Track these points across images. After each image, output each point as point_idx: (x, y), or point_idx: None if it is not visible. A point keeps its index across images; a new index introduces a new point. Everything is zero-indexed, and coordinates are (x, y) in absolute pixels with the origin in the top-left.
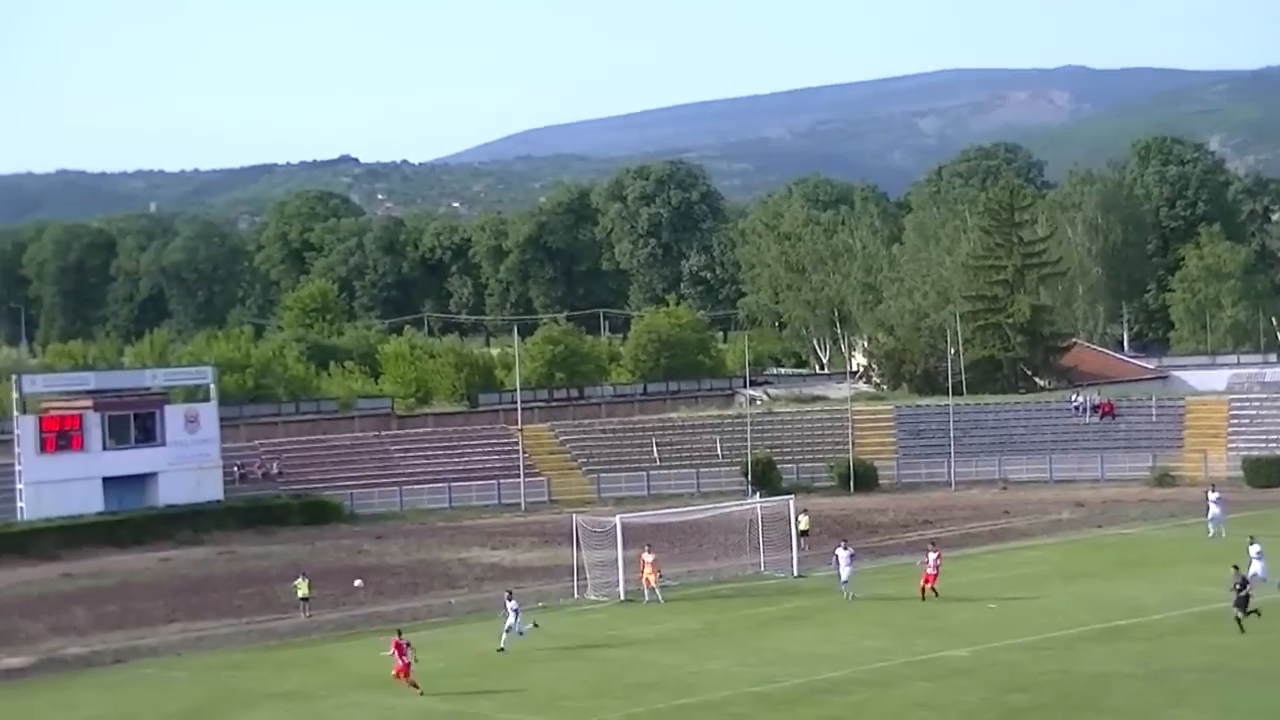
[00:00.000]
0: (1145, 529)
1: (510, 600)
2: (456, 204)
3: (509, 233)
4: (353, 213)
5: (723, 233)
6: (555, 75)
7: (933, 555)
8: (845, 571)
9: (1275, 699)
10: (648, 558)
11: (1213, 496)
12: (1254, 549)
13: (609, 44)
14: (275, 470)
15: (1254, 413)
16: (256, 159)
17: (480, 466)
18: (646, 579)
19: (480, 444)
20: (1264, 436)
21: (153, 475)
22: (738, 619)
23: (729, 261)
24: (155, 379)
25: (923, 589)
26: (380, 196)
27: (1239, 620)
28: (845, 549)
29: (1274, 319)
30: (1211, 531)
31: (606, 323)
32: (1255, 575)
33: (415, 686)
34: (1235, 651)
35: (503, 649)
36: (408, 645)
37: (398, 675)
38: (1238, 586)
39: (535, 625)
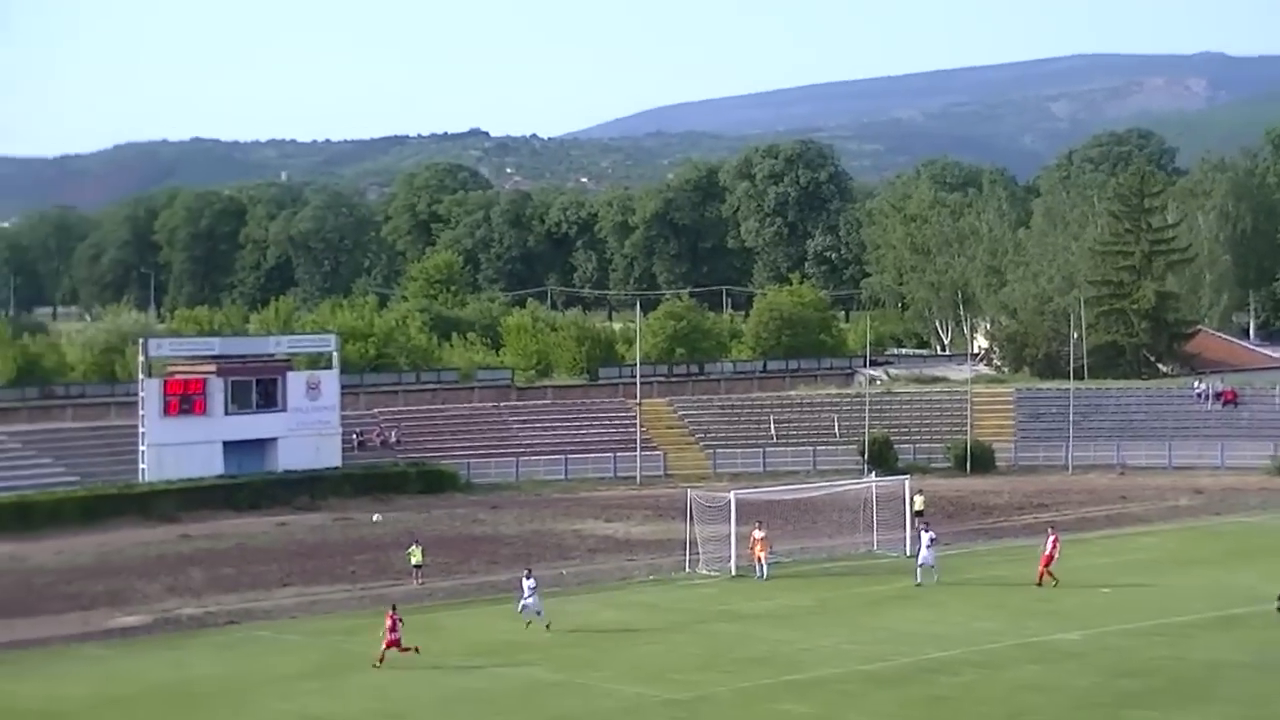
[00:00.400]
0: (1264, 518)
1: (528, 579)
2: (584, 179)
3: (635, 209)
4: (481, 186)
5: (849, 213)
6: (689, 52)
7: (1050, 539)
8: (926, 554)
9: None
10: (758, 534)
11: None
12: None
13: (745, 20)
14: (393, 439)
15: None
16: (387, 130)
17: (597, 439)
18: (757, 555)
19: (599, 417)
20: None
21: (273, 440)
22: (849, 597)
23: (854, 242)
24: (279, 346)
25: (1041, 573)
26: (509, 170)
27: None
28: (927, 530)
29: None
30: None
31: (729, 300)
32: None
33: (410, 649)
34: None
35: (530, 622)
36: (399, 621)
37: (387, 648)
38: None
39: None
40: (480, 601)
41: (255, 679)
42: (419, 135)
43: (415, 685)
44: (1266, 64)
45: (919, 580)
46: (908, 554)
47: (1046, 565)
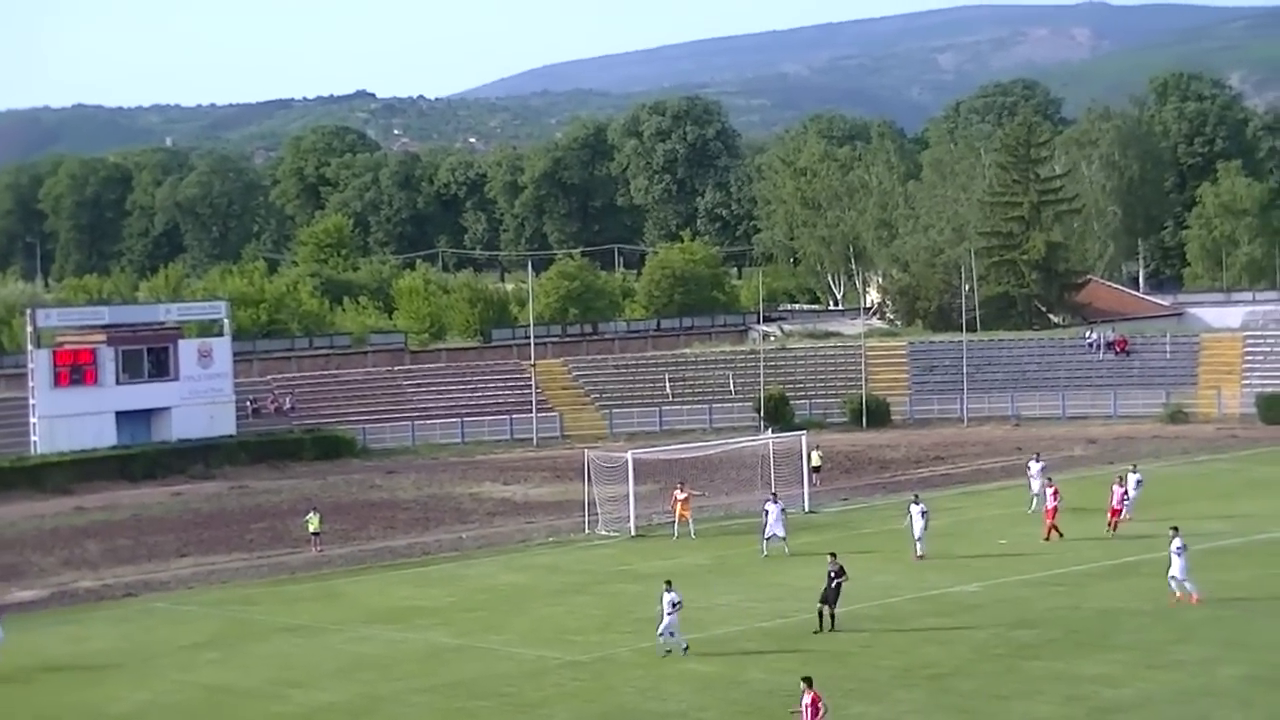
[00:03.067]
0: (1157, 466)
1: (669, 591)
2: (473, 139)
3: (525, 168)
4: (369, 148)
5: (739, 169)
6: (574, 9)
7: (1049, 490)
8: (775, 525)
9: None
10: (679, 494)
11: (1130, 476)
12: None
13: None
14: (288, 405)
15: (1269, 350)
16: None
17: (493, 402)
18: (681, 514)
19: (493, 379)
20: (1278, 373)
21: (165, 410)
22: (748, 555)
23: (745, 198)
24: (169, 314)
25: (1112, 522)
26: (396, 132)
27: None
28: (776, 503)
29: None
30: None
31: (621, 259)
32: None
33: None
34: (1243, 587)
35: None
36: None
37: None
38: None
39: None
40: (379, 567)
41: (154, 651)
42: (304, 98)
43: (316, 653)
44: (1149, 13)
45: (764, 552)
46: (807, 510)
47: (1052, 518)
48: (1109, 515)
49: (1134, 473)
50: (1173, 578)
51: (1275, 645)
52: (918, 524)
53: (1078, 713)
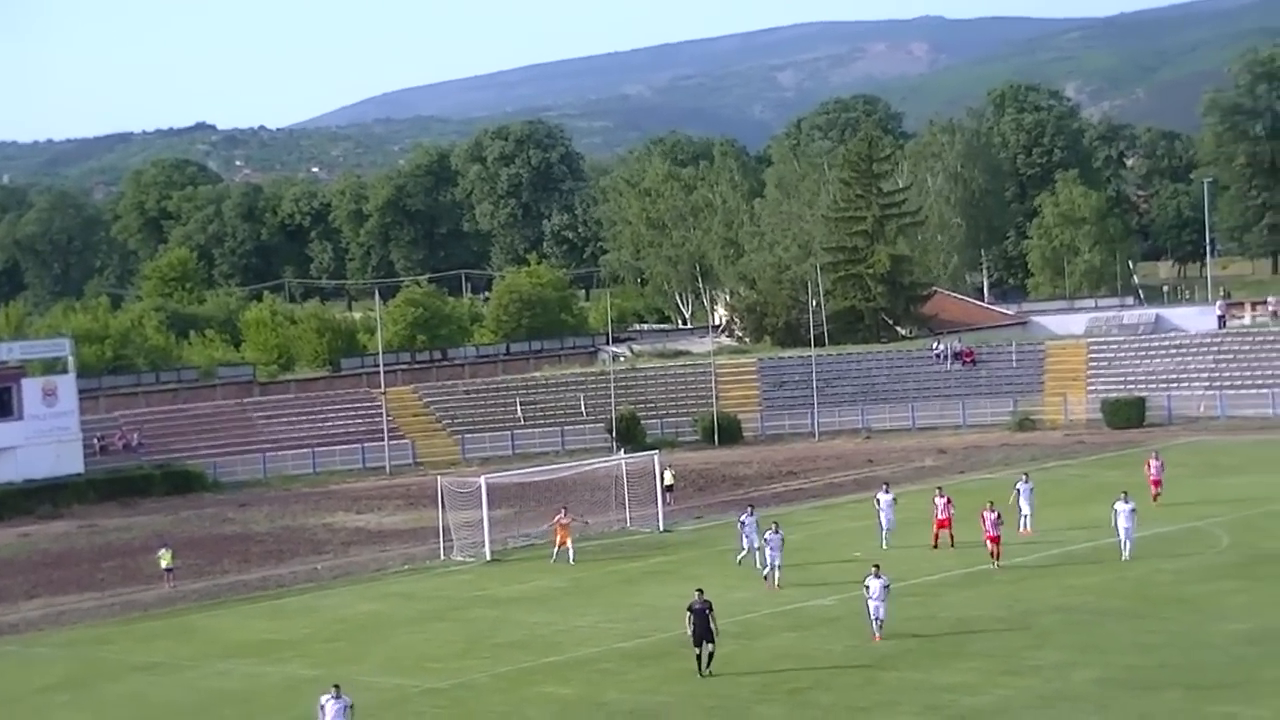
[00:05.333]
0: (1007, 473)
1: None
2: (316, 169)
3: (369, 196)
4: (210, 180)
5: (584, 191)
6: (413, 36)
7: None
8: (773, 556)
9: (1133, 637)
10: (563, 520)
11: (1020, 486)
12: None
13: (467, 3)
14: (136, 441)
15: (1112, 355)
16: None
17: (344, 431)
18: (561, 539)
19: (344, 408)
20: (1122, 378)
21: (10, 449)
22: (604, 575)
23: (590, 220)
24: (11, 352)
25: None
26: (238, 163)
27: None
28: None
29: (1129, 262)
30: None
31: (468, 284)
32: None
33: None
34: (1095, 592)
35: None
36: None
37: None
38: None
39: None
40: (234, 601)
41: (6, 695)
42: (144, 131)
43: (172, 690)
44: (984, 26)
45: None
46: (661, 529)
47: (945, 527)
48: (986, 540)
49: (1025, 481)
50: (1124, 538)
51: (1128, 648)
52: (771, 553)
53: None
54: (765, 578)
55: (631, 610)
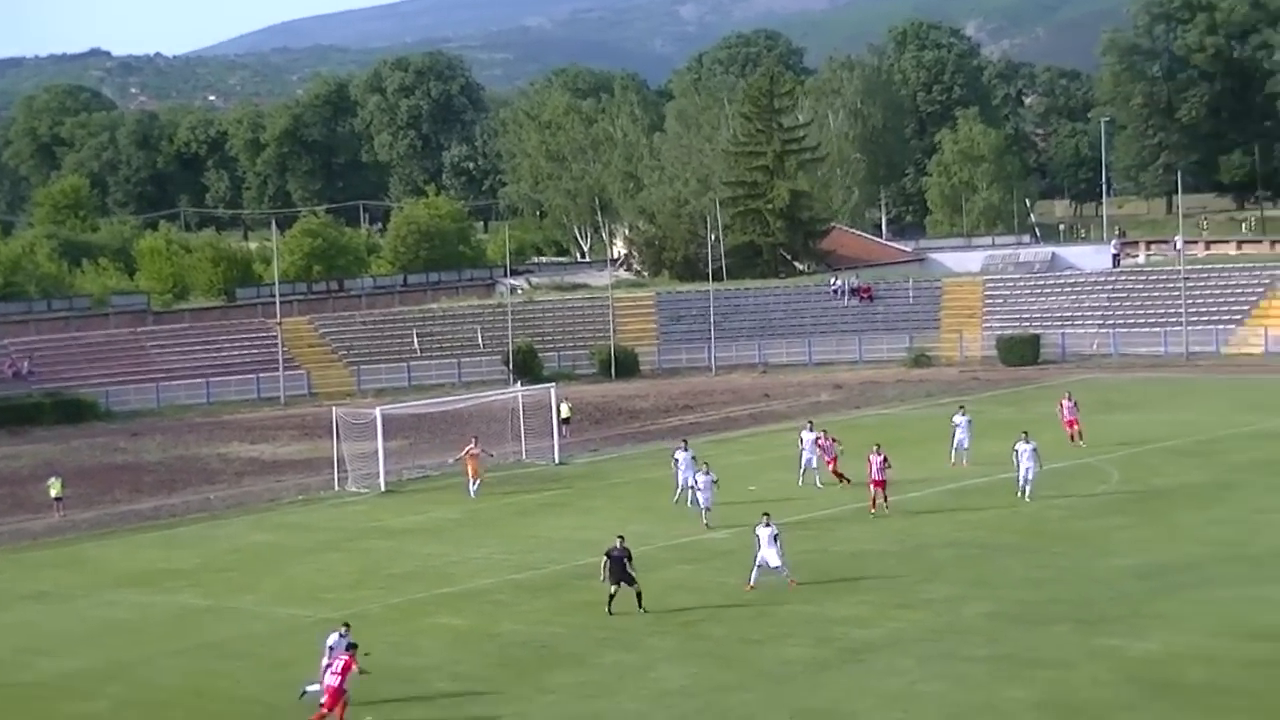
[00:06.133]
0: (902, 409)
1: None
2: (213, 97)
3: (266, 126)
4: (104, 107)
5: (484, 124)
6: None
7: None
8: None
9: (1023, 571)
10: (473, 450)
11: (957, 419)
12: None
13: None
14: (26, 369)
15: (1008, 293)
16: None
17: (239, 361)
18: (472, 470)
19: (239, 338)
20: (1017, 316)
21: None
22: (499, 507)
23: (490, 152)
24: None
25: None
26: (133, 90)
27: None
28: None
29: (1026, 201)
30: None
31: (366, 215)
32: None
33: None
34: (987, 527)
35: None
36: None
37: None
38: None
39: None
40: (125, 531)
41: None
42: (36, 56)
43: (62, 619)
44: None
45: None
46: (557, 462)
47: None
48: (870, 485)
49: (962, 414)
50: (1025, 478)
51: (1019, 583)
52: (703, 494)
53: (828, 654)
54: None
55: (526, 542)
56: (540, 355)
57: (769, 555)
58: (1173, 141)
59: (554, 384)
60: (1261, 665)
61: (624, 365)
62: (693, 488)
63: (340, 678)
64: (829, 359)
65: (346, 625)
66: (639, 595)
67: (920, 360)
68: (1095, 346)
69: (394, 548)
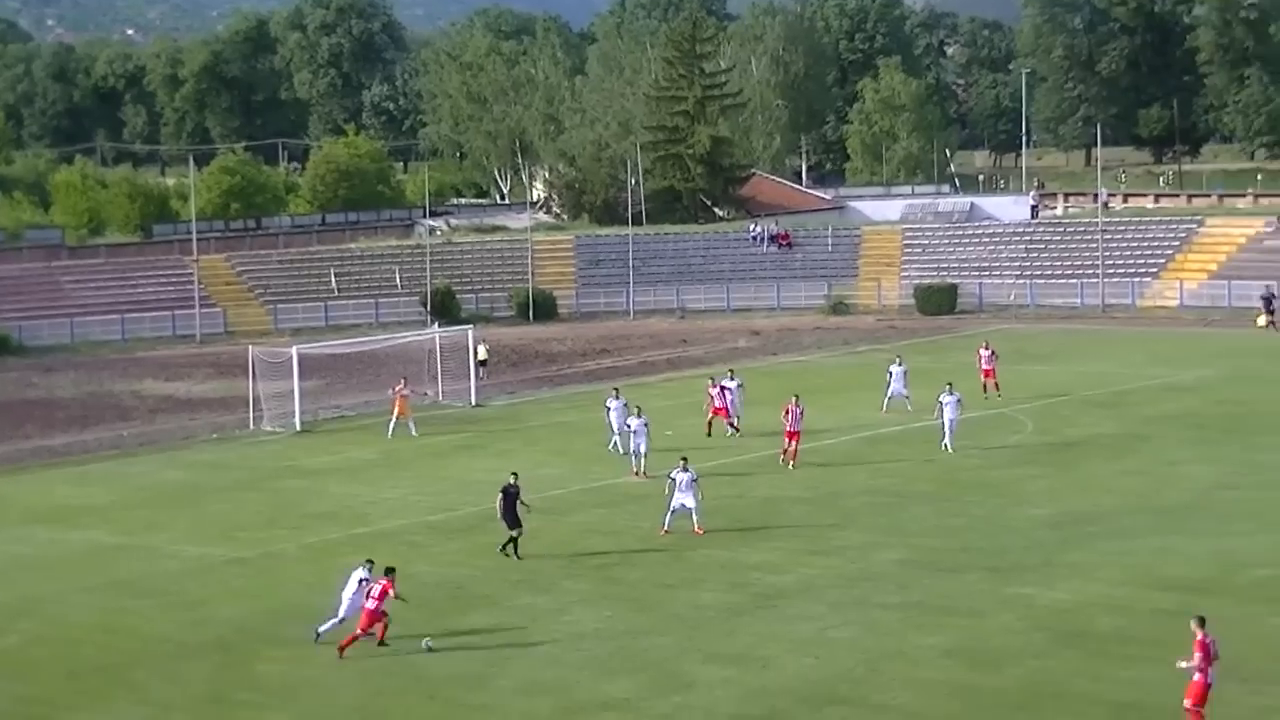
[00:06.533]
0: (819, 356)
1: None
2: (131, 31)
3: (185, 61)
4: (20, 39)
5: (405, 63)
6: None
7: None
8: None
9: (936, 519)
10: (403, 390)
11: (893, 369)
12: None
13: None
14: None
15: (926, 242)
16: None
17: (155, 298)
18: (400, 410)
19: (155, 275)
20: (935, 265)
21: None
22: (415, 449)
23: (411, 92)
24: None
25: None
26: (50, 22)
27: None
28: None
29: (946, 151)
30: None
31: (285, 153)
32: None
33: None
34: (900, 476)
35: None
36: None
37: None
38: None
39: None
40: (36, 467)
41: None
42: None
43: None
44: None
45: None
46: (474, 404)
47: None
48: (786, 437)
49: (899, 365)
50: (948, 429)
51: (929, 530)
52: (635, 440)
53: (741, 599)
54: (636, 470)
55: (441, 484)
56: (458, 297)
57: (684, 499)
58: (1092, 94)
59: (472, 326)
60: (1168, 615)
61: (542, 308)
62: (627, 431)
63: (377, 602)
64: (747, 305)
65: (370, 561)
66: (516, 540)
67: (838, 308)
68: (1012, 297)
69: (309, 487)
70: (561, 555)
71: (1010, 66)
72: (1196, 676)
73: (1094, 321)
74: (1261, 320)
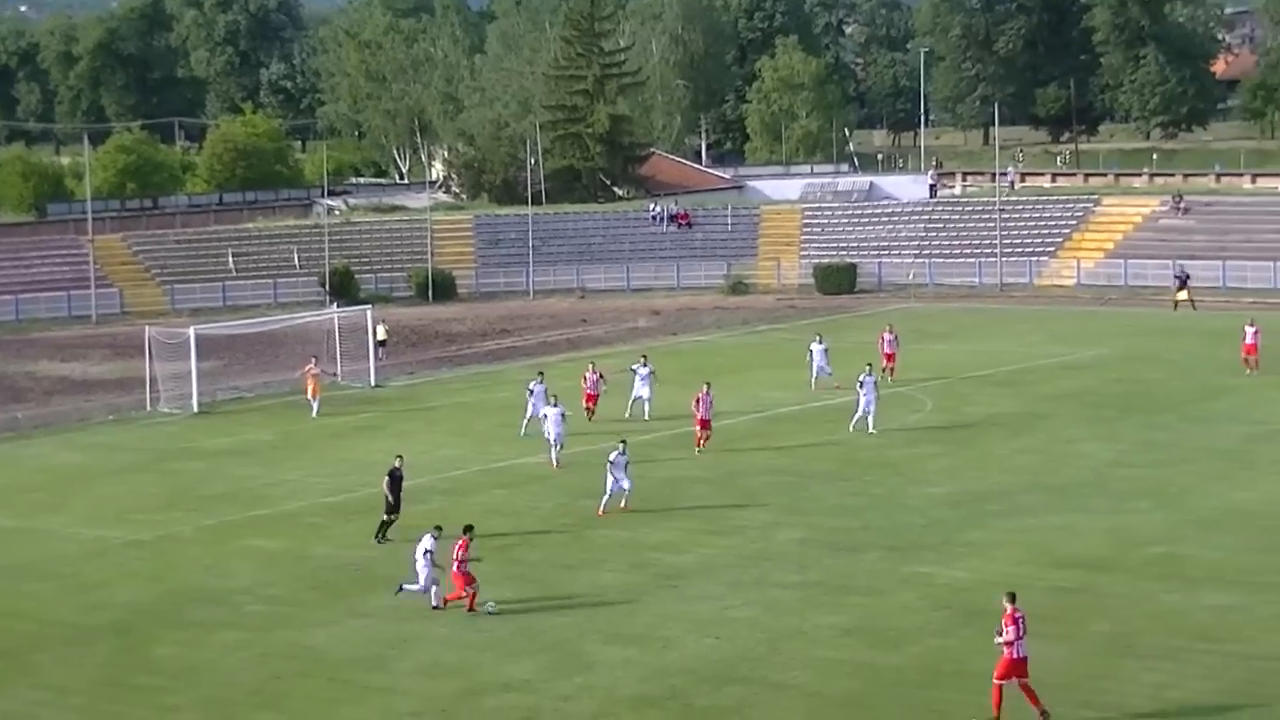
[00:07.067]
0: (719, 336)
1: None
2: (24, 8)
3: (79, 38)
4: None
5: (303, 41)
6: None
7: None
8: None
9: (837, 499)
10: (312, 369)
11: (814, 346)
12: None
13: None
14: None
15: (825, 221)
16: None
17: (49, 278)
18: (312, 390)
19: (50, 255)
20: (834, 245)
21: None
22: (314, 430)
23: (309, 71)
24: None
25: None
26: None
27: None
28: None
29: (845, 130)
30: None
31: (182, 132)
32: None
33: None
34: (801, 456)
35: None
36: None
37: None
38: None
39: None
40: None
41: None
42: None
43: None
44: None
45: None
46: (373, 384)
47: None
48: (697, 427)
49: (819, 342)
50: (865, 414)
51: (829, 510)
52: (553, 428)
53: (642, 579)
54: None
55: (339, 465)
56: (357, 277)
57: (623, 480)
58: (990, 74)
59: (371, 306)
60: (1065, 592)
61: (441, 288)
62: (542, 418)
63: (460, 562)
64: (647, 285)
65: (438, 528)
66: (388, 524)
67: (738, 287)
68: (911, 276)
69: (206, 469)
70: (387, 541)
71: (909, 46)
72: (1005, 651)
73: (992, 300)
74: (1183, 295)
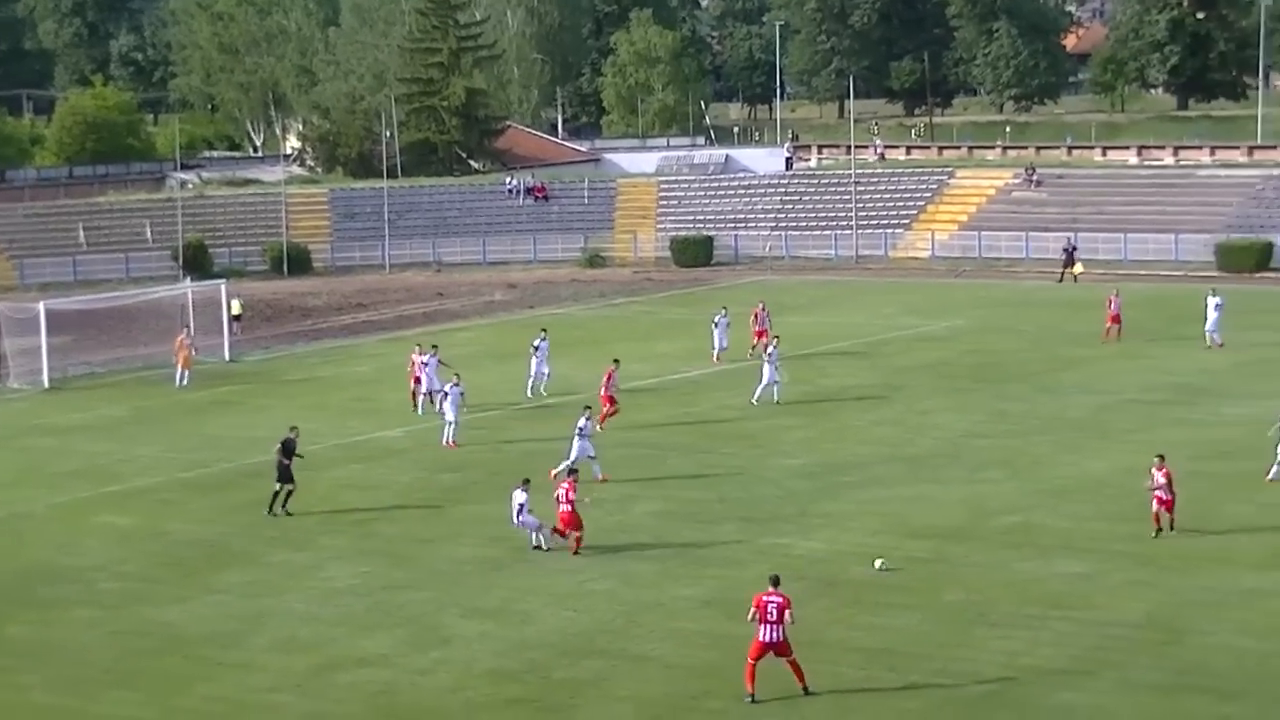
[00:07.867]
0: (576, 309)
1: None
2: None
3: None
4: None
5: (153, 12)
6: None
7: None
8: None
9: (692, 471)
10: (186, 341)
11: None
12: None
13: None
14: None
15: (682, 194)
16: None
17: None
18: (185, 361)
19: None
20: (691, 217)
21: None
22: (168, 405)
23: (160, 43)
24: None
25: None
26: None
27: None
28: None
29: (701, 103)
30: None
31: (30, 104)
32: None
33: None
34: (658, 428)
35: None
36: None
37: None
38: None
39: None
40: None
41: None
42: None
43: None
44: None
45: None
46: (228, 359)
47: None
48: (603, 402)
49: (723, 316)
50: (771, 383)
51: (686, 482)
52: (449, 407)
53: (499, 553)
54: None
55: (195, 440)
56: (211, 251)
57: (588, 449)
58: (845, 47)
59: (225, 280)
60: (920, 562)
61: (296, 262)
62: (438, 391)
63: (569, 505)
64: (503, 258)
65: (527, 480)
66: (288, 495)
67: (594, 260)
68: (767, 249)
69: (58, 445)
70: (318, 511)
71: (764, 19)
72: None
73: (848, 273)
74: (1079, 268)
